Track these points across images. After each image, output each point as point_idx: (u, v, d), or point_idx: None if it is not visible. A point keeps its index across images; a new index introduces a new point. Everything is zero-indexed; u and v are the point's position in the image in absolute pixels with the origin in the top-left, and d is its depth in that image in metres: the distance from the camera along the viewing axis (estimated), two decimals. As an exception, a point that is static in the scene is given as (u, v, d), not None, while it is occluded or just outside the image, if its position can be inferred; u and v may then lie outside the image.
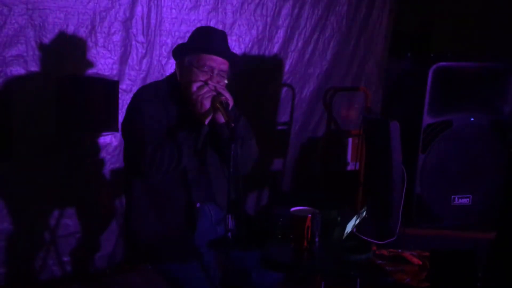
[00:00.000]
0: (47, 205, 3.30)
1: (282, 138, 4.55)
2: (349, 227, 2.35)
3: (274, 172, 4.58)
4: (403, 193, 2.49)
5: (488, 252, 2.97)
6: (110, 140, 3.48)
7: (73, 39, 3.18)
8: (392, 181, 2.46)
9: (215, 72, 2.34)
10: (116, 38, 3.36)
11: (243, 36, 4.03)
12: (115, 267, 3.64)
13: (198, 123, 2.28)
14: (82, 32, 3.21)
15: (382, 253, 2.54)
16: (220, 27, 3.77)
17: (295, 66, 4.41)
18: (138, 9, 3.42)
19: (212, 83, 2.31)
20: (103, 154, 3.47)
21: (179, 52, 2.43)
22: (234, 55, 2.49)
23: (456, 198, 3.00)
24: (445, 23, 4.84)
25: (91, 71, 3.30)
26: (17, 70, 3.02)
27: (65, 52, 3.17)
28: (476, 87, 2.97)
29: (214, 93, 2.27)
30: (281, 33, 4.24)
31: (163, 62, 3.61)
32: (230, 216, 2.04)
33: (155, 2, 3.48)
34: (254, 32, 4.08)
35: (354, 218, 2.40)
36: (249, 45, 4.08)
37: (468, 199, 3.01)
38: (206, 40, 2.38)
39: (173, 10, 3.59)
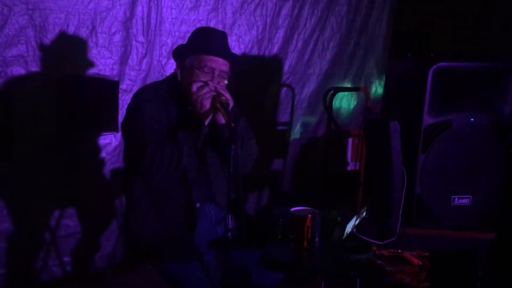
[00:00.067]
0: (47, 205, 3.30)
1: (282, 138, 4.55)
2: (349, 227, 2.35)
3: (274, 172, 4.59)
4: (403, 193, 2.50)
5: (488, 252, 2.97)
6: (110, 140, 3.48)
7: (73, 39, 3.18)
8: (392, 181, 2.46)
9: (216, 73, 2.34)
10: (116, 38, 3.36)
11: (243, 37, 4.03)
12: (115, 267, 3.65)
13: (198, 124, 2.28)
14: (83, 32, 3.21)
15: (382, 253, 2.54)
16: (220, 27, 3.78)
17: (294, 66, 4.42)
18: (138, 9, 3.42)
19: (212, 83, 2.31)
20: (103, 154, 3.48)
21: (179, 53, 2.43)
22: (235, 56, 2.50)
23: (456, 198, 3.00)
24: (445, 23, 4.84)
25: (91, 71, 3.30)
26: (18, 70, 3.02)
27: (66, 52, 3.17)
28: (476, 87, 2.96)
29: (214, 94, 2.28)
30: (281, 34, 4.24)
31: (163, 62, 3.61)
32: (230, 216, 2.04)
33: (155, 2, 3.48)
34: (254, 32, 4.08)
35: (354, 218, 2.40)
36: (249, 46, 4.08)
37: (468, 199, 3.00)
38: (207, 41, 2.38)
39: (173, 10, 3.60)
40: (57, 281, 3.39)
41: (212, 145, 2.41)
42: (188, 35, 2.52)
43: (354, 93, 4.89)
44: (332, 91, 4.56)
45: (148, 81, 3.46)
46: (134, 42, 3.44)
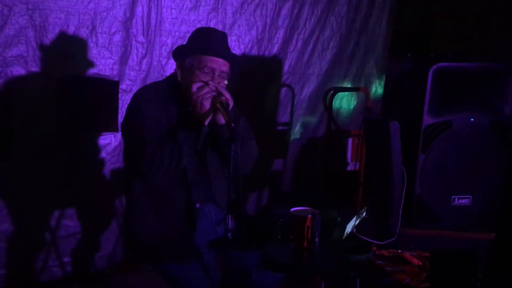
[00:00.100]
0: (47, 205, 3.30)
1: (282, 138, 4.55)
2: (349, 227, 2.35)
3: (274, 172, 4.59)
4: (403, 193, 2.50)
5: (488, 252, 2.97)
6: (110, 140, 3.48)
7: (73, 39, 3.18)
8: (392, 181, 2.46)
9: (216, 73, 2.35)
10: (116, 38, 3.36)
11: (243, 37, 4.03)
12: (115, 267, 3.65)
13: (198, 124, 2.28)
14: (83, 33, 3.21)
15: (382, 254, 2.54)
16: (220, 27, 3.78)
17: (294, 66, 4.42)
18: (138, 9, 3.42)
19: (213, 83, 2.31)
20: (103, 154, 3.48)
21: (179, 53, 2.43)
22: (235, 56, 2.50)
23: (456, 198, 3.00)
24: (445, 23, 4.84)
25: (91, 71, 3.30)
26: (18, 70, 3.02)
27: (66, 52, 3.17)
28: (476, 87, 2.96)
29: (214, 94, 2.28)
30: (280, 34, 4.24)
31: (163, 62, 3.61)
32: (230, 216, 2.04)
33: (155, 2, 3.48)
34: (253, 32, 4.08)
35: (354, 218, 2.40)
36: (249, 46, 4.08)
37: (468, 199, 3.01)
38: (207, 41, 2.38)
39: (173, 10, 3.59)
40: (57, 281, 3.39)
41: (212, 145, 2.41)
42: (188, 35, 2.52)
43: (354, 93, 4.89)
44: (332, 91, 4.56)
45: (148, 81, 3.46)
46: (134, 42, 3.44)
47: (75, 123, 3.24)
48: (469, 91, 2.96)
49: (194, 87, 2.29)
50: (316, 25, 4.45)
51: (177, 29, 3.62)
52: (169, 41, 3.60)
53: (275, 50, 4.25)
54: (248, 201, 4.41)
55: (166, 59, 3.61)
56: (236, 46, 3.99)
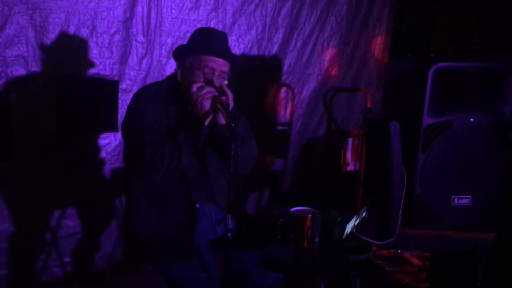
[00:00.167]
0: (47, 206, 3.30)
1: (282, 138, 4.55)
2: (349, 227, 2.35)
3: (275, 172, 4.59)
4: (403, 194, 2.49)
5: (488, 252, 2.97)
6: (110, 140, 3.48)
7: (73, 39, 3.18)
8: (392, 181, 2.45)
9: (216, 73, 2.35)
10: (117, 38, 3.36)
11: (243, 37, 4.04)
12: (115, 267, 3.65)
13: (198, 124, 2.28)
14: (83, 32, 3.21)
15: (382, 254, 2.54)
16: (220, 27, 3.78)
17: (294, 66, 4.42)
18: (138, 9, 3.42)
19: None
20: (103, 154, 3.48)
21: (179, 53, 2.43)
22: (235, 56, 2.50)
23: (456, 198, 3.00)
24: (445, 23, 4.84)
25: (91, 71, 3.30)
26: (18, 70, 3.02)
27: (66, 52, 3.17)
28: (476, 87, 2.96)
29: (214, 94, 2.28)
30: (280, 34, 4.24)
31: (163, 62, 3.61)
32: (230, 216, 2.04)
33: (155, 2, 3.48)
34: (253, 32, 4.08)
35: (354, 218, 2.40)
36: (249, 46, 4.08)
37: (468, 199, 3.00)
38: (207, 41, 2.38)
39: (173, 10, 3.60)
40: (57, 281, 3.39)
41: (212, 146, 2.41)
42: (188, 35, 2.52)
43: (354, 93, 4.88)
44: (332, 91, 4.56)
45: (148, 81, 3.46)
46: (134, 42, 3.44)
47: (75, 123, 3.24)
48: (469, 91, 2.96)
49: (194, 87, 2.29)
50: (315, 25, 4.45)
51: (177, 29, 3.62)
52: (169, 41, 3.60)
53: (274, 50, 4.25)
54: (248, 201, 4.41)
55: (166, 59, 3.61)
56: (236, 46, 3.99)
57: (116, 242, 3.65)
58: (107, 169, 3.50)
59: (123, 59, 3.42)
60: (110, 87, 3.34)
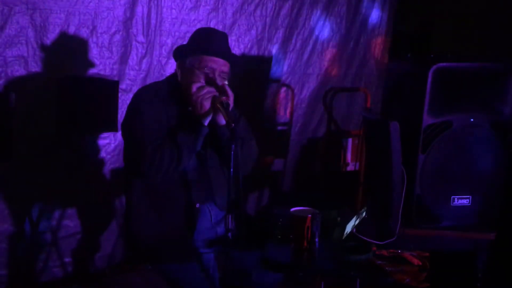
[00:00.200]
0: (47, 206, 3.30)
1: (282, 138, 4.55)
2: (349, 227, 2.35)
3: (275, 172, 4.59)
4: (403, 194, 2.49)
5: (488, 252, 2.97)
6: (110, 140, 3.48)
7: (74, 39, 3.18)
8: (392, 181, 2.46)
9: (216, 73, 2.35)
10: (117, 38, 3.36)
11: (243, 37, 4.04)
12: (115, 267, 3.65)
13: (198, 124, 2.28)
14: (83, 32, 3.22)
15: (382, 254, 2.54)
16: (220, 27, 3.78)
17: (294, 66, 4.42)
18: (139, 9, 3.42)
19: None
20: (103, 154, 3.48)
21: (179, 53, 2.43)
22: (235, 56, 2.50)
23: (456, 198, 2.99)
24: (445, 23, 4.84)
25: (91, 71, 3.30)
26: (18, 70, 3.02)
27: (66, 52, 3.17)
28: (476, 87, 2.96)
29: (215, 94, 2.28)
30: (280, 34, 4.25)
31: (163, 62, 3.61)
32: (230, 216, 2.04)
33: (155, 2, 3.48)
34: (253, 32, 4.08)
35: (354, 218, 2.41)
36: (249, 46, 4.08)
37: (468, 199, 3.00)
38: (207, 41, 2.38)
39: (173, 10, 3.60)
40: (57, 281, 3.39)
41: (212, 146, 2.41)
42: (188, 35, 2.52)
43: (354, 93, 4.89)
44: (332, 91, 4.56)
45: (148, 81, 3.46)
46: (134, 42, 3.44)
47: (75, 123, 3.24)
48: (469, 91, 2.95)
49: (194, 87, 2.29)
50: (315, 25, 4.45)
51: (177, 29, 3.62)
52: (169, 41, 3.60)
53: (274, 50, 4.25)
54: (248, 201, 4.41)
55: (166, 59, 3.61)
56: (236, 46, 3.99)
57: (116, 242, 3.65)
58: (107, 169, 3.50)
59: (123, 59, 3.42)
60: (110, 87, 3.34)
